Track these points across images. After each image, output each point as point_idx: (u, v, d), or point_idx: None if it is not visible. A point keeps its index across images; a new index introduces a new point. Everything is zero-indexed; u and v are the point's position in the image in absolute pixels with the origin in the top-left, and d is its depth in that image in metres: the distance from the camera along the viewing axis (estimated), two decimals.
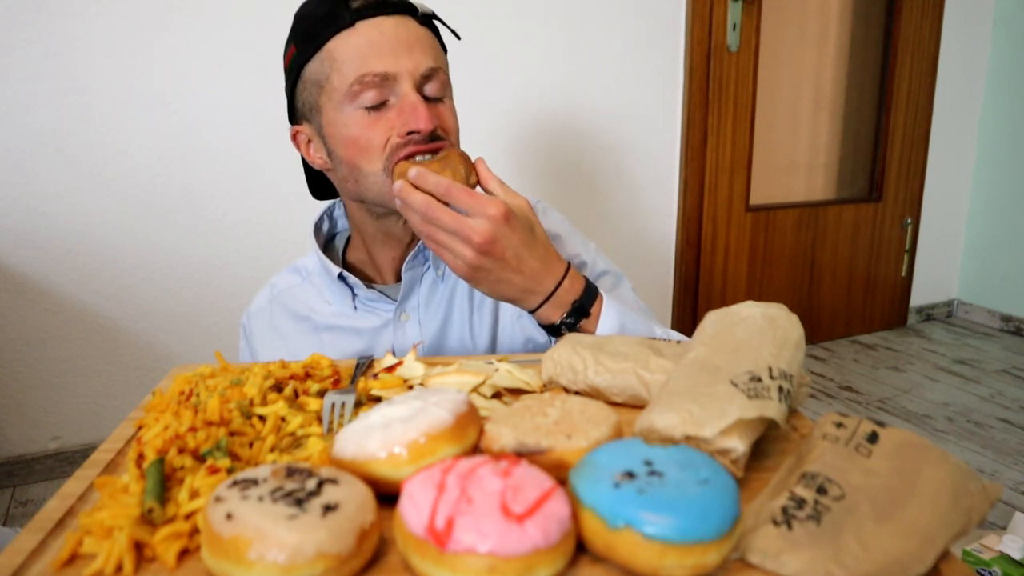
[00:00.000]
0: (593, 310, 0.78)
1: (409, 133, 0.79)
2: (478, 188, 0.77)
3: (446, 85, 0.85)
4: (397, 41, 0.79)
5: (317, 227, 0.97)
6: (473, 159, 0.78)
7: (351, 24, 0.79)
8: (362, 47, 0.79)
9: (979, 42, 2.80)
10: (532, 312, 0.78)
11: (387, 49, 0.79)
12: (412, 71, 0.80)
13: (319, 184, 0.97)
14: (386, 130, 0.80)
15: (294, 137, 0.90)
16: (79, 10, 1.63)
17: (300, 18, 0.84)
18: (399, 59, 0.79)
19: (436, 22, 0.86)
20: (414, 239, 0.92)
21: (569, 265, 0.78)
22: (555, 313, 0.77)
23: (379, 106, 0.80)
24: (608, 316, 0.78)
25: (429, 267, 0.92)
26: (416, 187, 0.73)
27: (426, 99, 0.82)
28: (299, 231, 1.86)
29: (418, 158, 0.79)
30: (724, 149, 2.38)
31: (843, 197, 2.74)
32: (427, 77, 0.81)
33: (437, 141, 0.81)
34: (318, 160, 0.88)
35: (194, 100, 1.76)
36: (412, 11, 0.82)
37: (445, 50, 0.89)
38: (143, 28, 1.68)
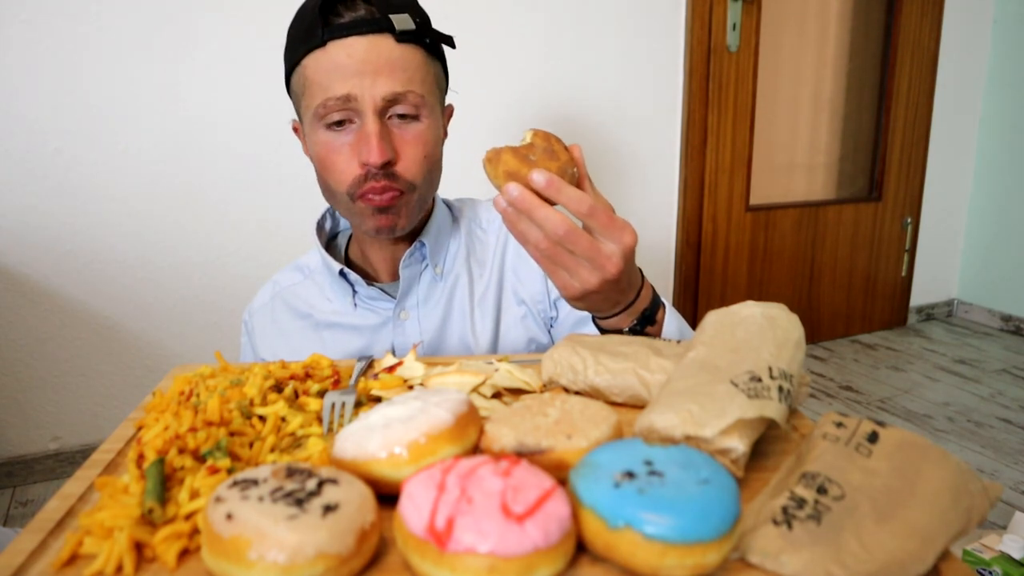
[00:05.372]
0: (659, 317, 0.76)
1: (364, 164, 0.79)
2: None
3: (420, 106, 0.81)
4: (364, 64, 0.77)
5: (319, 225, 0.97)
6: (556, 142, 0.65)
7: (323, 44, 0.77)
8: (329, 70, 0.78)
9: (979, 42, 2.80)
10: (602, 319, 0.75)
11: (351, 72, 0.77)
12: (374, 96, 0.78)
13: None
14: (346, 159, 0.80)
15: (295, 129, 0.92)
16: (79, 10, 1.63)
17: (288, 30, 0.84)
18: (363, 82, 0.77)
19: (425, 34, 0.83)
20: (404, 238, 0.92)
21: (643, 274, 0.76)
22: (625, 321, 0.74)
23: (342, 123, 0.80)
24: (669, 323, 0.77)
25: (427, 265, 0.92)
26: (535, 191, 0.61)
27: (399, 117, 0.81)
28: (299, 231, 1.88)
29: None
30: (724, 149, 2.38)
31: (843, 197, 2.74)
32: (393, 101, 0.79)
33: (393, 180, 0.80)
34: (308, 155, 0.90)
35: (194, 100, 1.76)
36: (391, 29, 0.78)
37: (443, 60, 0.86)
38: (143, 28, 1.68)
